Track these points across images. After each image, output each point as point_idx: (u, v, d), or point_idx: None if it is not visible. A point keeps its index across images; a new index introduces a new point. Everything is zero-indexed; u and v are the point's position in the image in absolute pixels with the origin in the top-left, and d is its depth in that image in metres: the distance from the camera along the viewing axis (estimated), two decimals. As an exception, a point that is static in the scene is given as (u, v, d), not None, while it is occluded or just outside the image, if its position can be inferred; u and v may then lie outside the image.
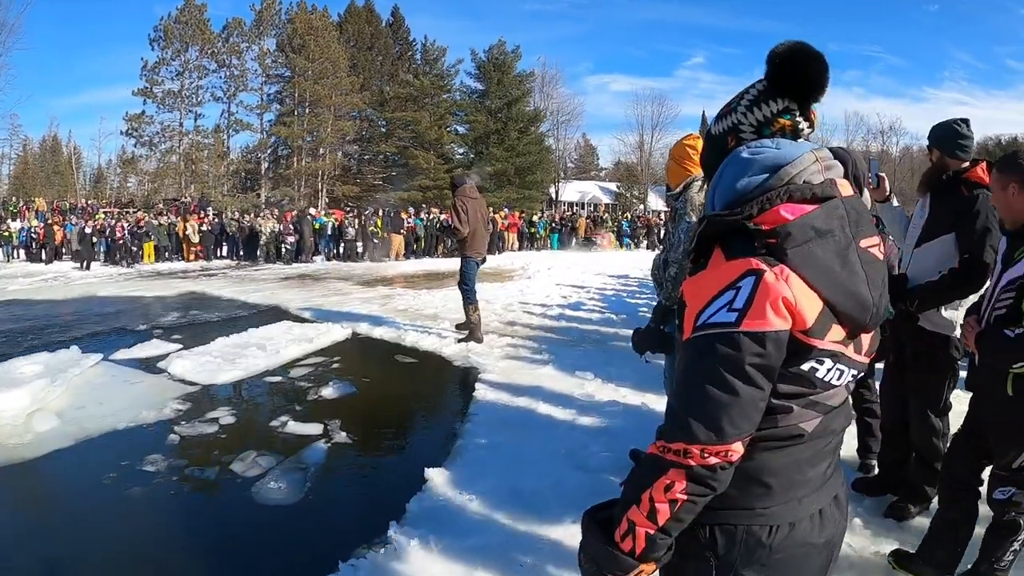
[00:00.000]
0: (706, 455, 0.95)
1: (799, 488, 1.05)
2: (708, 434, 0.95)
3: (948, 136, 2.63)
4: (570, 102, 42.99)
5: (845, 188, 1.06)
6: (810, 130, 1.14)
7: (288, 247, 17.51)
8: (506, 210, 22.62)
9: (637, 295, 10.91)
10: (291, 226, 17.98)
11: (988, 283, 2.30)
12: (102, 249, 17.00)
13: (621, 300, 10.14)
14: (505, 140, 36.32)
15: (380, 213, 20.21)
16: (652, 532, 0.98)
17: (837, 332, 1.00)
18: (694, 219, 2.72)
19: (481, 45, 42.41)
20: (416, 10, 73.79)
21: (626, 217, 28.42)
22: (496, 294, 10.53)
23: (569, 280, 12.88)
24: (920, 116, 50.76)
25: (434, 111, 36.68)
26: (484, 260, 6.47)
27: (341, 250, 18.71)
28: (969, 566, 2.28)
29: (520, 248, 21.51)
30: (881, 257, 1.07)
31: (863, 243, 1.04)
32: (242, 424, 4.23)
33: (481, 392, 4.78)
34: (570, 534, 2.64)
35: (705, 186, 2.79)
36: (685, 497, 0.96)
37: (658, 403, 4.48)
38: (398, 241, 18.30)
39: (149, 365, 5.51)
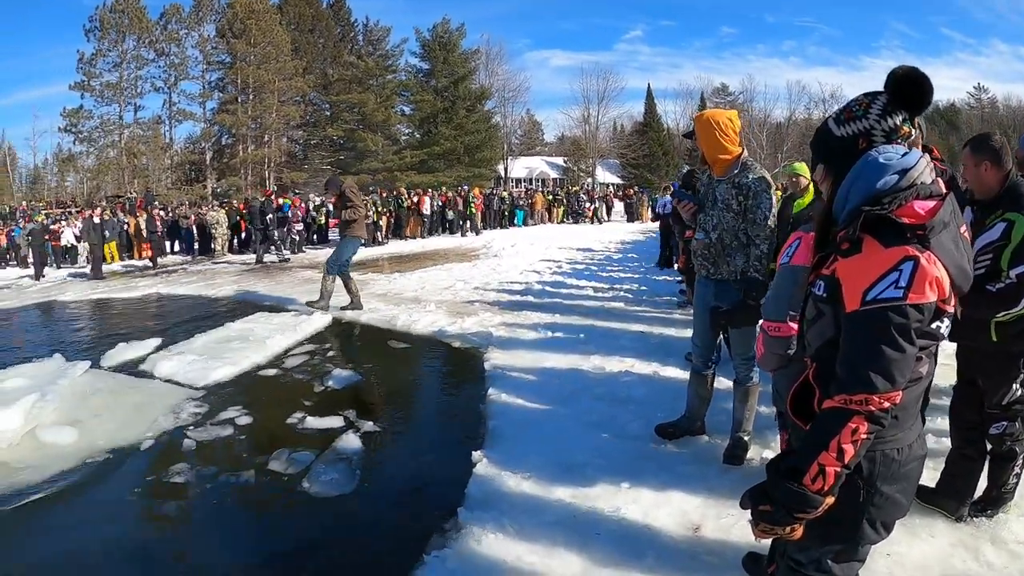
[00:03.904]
0: (882, 401, 1.20)
1: (912, 418, 1.35)
2: (885, 383, 1.19)
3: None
4: (515, 78, 42.53)
5: (943, 186, 1.32)
6: (913, 135, 1.40)
7: (294, 237, 15.77)
8: (464, 188, 22.22)
9: (608, 267, 11.10)
10: (298, 213, 16.27)
11: None
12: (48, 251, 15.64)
13: (594, 273, 10.30)
14: (453, 119, 35.82)
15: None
16: (839, 470, 1.22)
17: (954, 298, 1.28)
18: (773, 198, 2.93)
19: (423, 24, 41.34)
20: (356, -9, 71.28)
21: (576, 191, 28.50)
22: (471, 274, 10.51)
23: (538, 256, 12.98)
24: (859, 84, 50.19)
25: (380, 92, 35.99)
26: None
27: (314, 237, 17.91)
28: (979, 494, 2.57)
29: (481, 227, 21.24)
30: (969, 237, 1.37)
31: (961, 229, 1.32)
32: (258, 423, 4.07)
33: (492, 372, 4.80)
34: (630, 499, 2.74)
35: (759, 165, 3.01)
36: (865, 436, 1.21)
37: (665, 370, 4.65)
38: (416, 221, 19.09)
39: (137, 370, 5.24)
